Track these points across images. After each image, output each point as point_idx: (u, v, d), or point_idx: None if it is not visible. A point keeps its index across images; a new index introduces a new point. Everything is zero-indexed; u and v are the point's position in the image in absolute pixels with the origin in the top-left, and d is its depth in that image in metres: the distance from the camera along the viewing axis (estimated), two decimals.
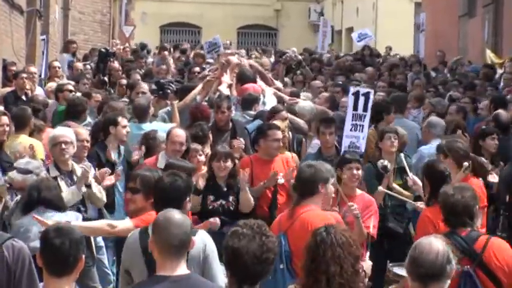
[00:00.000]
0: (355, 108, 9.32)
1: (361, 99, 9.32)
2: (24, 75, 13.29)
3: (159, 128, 9.99)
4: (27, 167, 7.43)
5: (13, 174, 7.05)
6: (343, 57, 20.21)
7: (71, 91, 12.48)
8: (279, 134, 9.27)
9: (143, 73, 16.88)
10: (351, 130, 9.33)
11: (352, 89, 9.98)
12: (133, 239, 5.84)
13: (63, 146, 8.29)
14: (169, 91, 11.58)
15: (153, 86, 12.40)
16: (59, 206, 7.08)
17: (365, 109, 9.25)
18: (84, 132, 9.25)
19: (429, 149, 9.82)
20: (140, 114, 10.74)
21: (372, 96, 9.72)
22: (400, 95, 13.19)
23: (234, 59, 12.43)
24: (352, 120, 9.36)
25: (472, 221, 6.08)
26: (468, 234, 5.99)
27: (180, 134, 8.97)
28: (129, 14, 35.84)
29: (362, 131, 9.35)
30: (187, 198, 6.04)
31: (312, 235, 4.94)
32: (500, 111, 11.24)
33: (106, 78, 15.91)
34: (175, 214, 4.82)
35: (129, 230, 6.15)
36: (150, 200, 6.30)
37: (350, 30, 32.65)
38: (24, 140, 9.39)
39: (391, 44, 28.04)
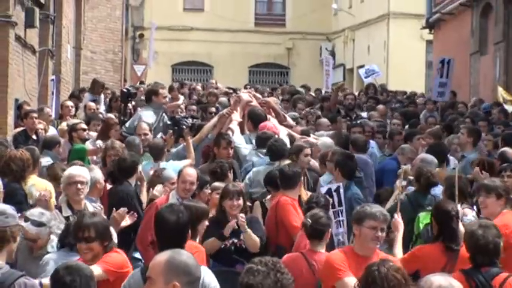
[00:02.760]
0: (333, 206, 8.97)
1: (334, 195, 9.08)
2: (35, 114, 13.29)
3: (174, 167, 9.96)
4: (41, 220, 7.37)
5: (27, 226, 7.06)
6: (348, 96, 20.06)
7: (84, 130, 12.51)
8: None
9: None
10: (336, 228, 8.98)
11: (322, 189, 9.43)
12: (135, 279, 5.80)
13: (79, 186, 8.20)
14: (184, 127, 11.64)
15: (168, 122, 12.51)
16: None
17: (340, 204, 8.97)
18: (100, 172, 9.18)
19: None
20: (156, 153, 10.89)
21: (342, 190, 9.10)
22: (439, 143, 12.36)
23: (245, 96, 12.42)
24: (334, 218, 9.00)
25: (498, 260, 6.10)
26: (489, 271, 6.00)
27: (191, 173, 8.91)
28: (140, 53, 36.05)
29: (342, 226, 8.99)
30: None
31: (364, 272, 5.01)
32: (507, 149, 11.24)
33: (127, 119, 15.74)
34: None
35: (101, 276, 6.11)
36: (104, 244, 6.43)
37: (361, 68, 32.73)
38: (35, 181, 9.20)
39: (402, 81, 27.98)
